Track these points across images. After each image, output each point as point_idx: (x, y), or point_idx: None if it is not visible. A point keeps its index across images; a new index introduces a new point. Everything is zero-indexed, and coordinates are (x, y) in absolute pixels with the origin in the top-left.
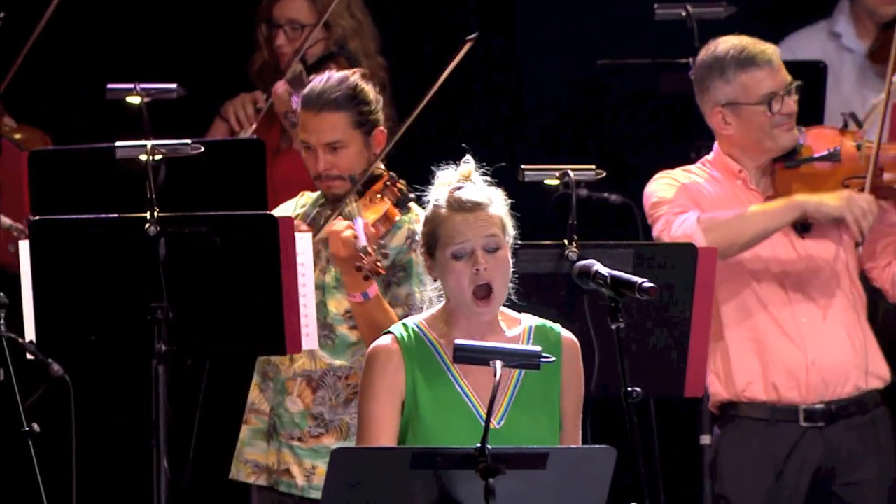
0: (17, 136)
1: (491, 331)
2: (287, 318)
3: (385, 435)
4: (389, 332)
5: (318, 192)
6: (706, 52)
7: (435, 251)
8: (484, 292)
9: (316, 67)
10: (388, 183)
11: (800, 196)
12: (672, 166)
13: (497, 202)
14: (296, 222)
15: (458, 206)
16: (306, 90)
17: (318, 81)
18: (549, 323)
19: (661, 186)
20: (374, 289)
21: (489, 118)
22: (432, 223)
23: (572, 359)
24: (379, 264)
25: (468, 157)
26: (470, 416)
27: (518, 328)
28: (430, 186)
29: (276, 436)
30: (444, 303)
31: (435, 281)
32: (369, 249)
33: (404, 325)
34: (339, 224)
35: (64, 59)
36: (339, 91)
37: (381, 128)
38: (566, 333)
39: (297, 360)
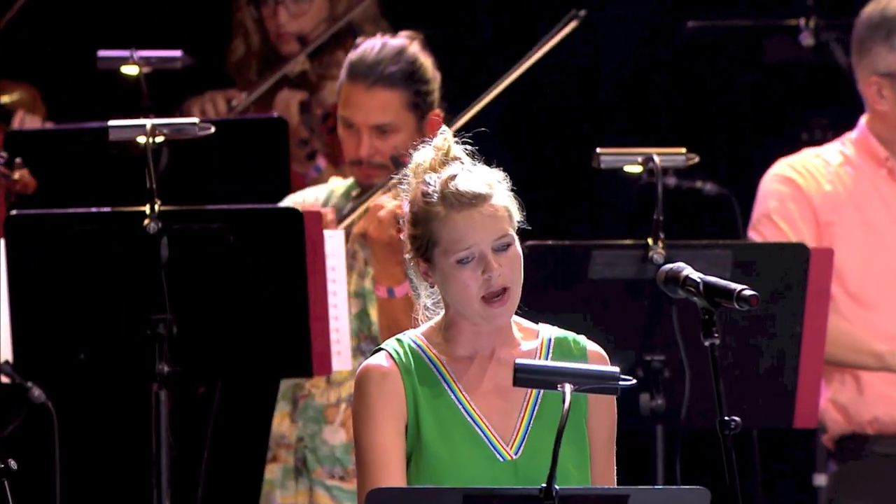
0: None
1: (503, 342)
2: (314, 332)
3: (395, 465)
4: (381, 349)
5: (350, 181)
6: (875, 7)
7: (432, 256)
8: (499, 293)
9: (319, 53)
10: None
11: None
12: (777, 150)
13: (499, 187)
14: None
15: (457, 201)
16: (354, 57)
17: (370, 48)
18: (570, 334)
19: (774, 192)
20: (403, 287)
21: (558, 92)
22: (426, 223)
23: None
24: None
25: (444, 128)
26: (478, 443)
27: (535, 341)
28: (406, 173)
29: (307, 473)
30: (441, 314)
31: (432, 287)
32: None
33: (398, 339)
34: (383, 199)
35: (46, 21)
36: (396, 65)
37: (437, 111)
38: (592, 346)
39: (339, 381)
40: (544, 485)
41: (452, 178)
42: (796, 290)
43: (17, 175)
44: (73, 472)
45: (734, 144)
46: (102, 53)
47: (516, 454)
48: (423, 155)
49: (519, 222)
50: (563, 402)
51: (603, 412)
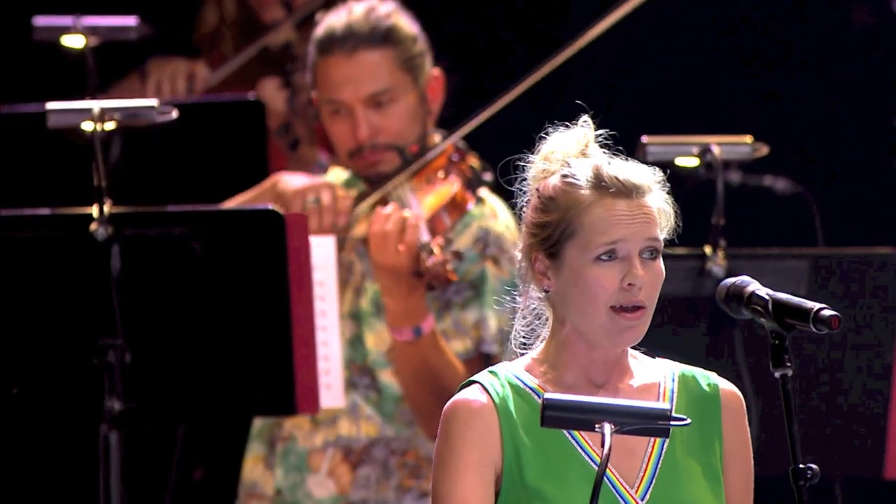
0: None
1: (620, 372)
2: (298, 362)
3: None
4: (474, 382)
5: (344, 178)
6: None
7: (561, 250)
8: (634, 308)
9: (307, 22)
10: (454, 158)
11: None
12: (863, 136)
13: (658, 188)
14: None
15: (613, 186)
16: (321, 33)
17: (335, 18)
18: (698, 370)
19: None
20: (430, 321)
21: (598, 71)
22: (565, 210)
23: (737, 416)
24: (449, 267)
25: (586, 119)
26: (604, 489)
27: (655, 375)
28: (531, 159)
29: None
30: (541, 345)
31: (546, 291)
32: (433, 246)
33: (492, 372)
34: (386, 209)
35: None
36: (372, 24)
37: (436, 70)
38: (726, 384)
39: (328, 420)
40: None
41: (607, 164)
42: (889, 311)
43: None
44: None
45: (811, 132)
46: (40, 21)
47: (643, 499)
48: (558, 142)
49: (666, 239)
50: (603, 445)
51: (739, 456)
